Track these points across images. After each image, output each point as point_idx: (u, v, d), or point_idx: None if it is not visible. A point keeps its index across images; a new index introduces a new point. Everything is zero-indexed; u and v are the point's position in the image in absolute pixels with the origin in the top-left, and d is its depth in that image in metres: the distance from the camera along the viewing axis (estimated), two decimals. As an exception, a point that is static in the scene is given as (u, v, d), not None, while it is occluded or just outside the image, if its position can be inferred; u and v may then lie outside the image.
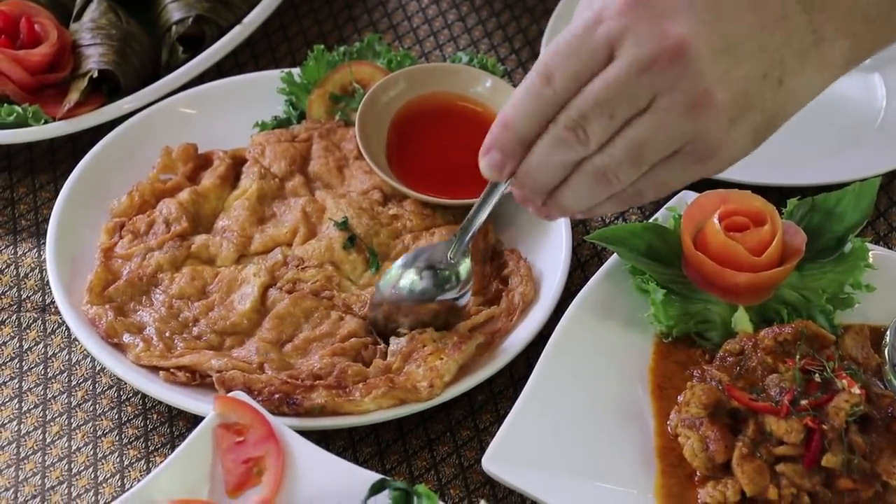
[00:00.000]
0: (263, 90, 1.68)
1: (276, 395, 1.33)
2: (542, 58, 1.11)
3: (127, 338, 1.41)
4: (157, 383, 1.38)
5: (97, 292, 1.45)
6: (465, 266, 1.38)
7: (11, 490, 1.38)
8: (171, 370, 1.38)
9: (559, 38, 1.09)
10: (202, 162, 1.61)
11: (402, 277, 1.38)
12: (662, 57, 1.05)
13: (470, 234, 1.35)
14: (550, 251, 1.49)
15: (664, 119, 1.08)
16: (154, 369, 1.39)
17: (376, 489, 1.21)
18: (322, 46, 1.68)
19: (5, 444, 1.42)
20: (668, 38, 1.05)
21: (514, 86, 1.70)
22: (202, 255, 1.51)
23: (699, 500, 1.26)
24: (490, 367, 1.38)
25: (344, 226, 1.51)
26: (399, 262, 1.39)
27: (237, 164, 1.60)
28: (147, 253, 1.49)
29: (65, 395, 1.46)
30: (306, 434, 1.28)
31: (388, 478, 1.22)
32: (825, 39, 1.13)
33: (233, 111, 1.67)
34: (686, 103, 1.07)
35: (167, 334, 1.42)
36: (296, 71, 1.67)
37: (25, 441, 1.42)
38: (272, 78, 1.68)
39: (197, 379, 1.38)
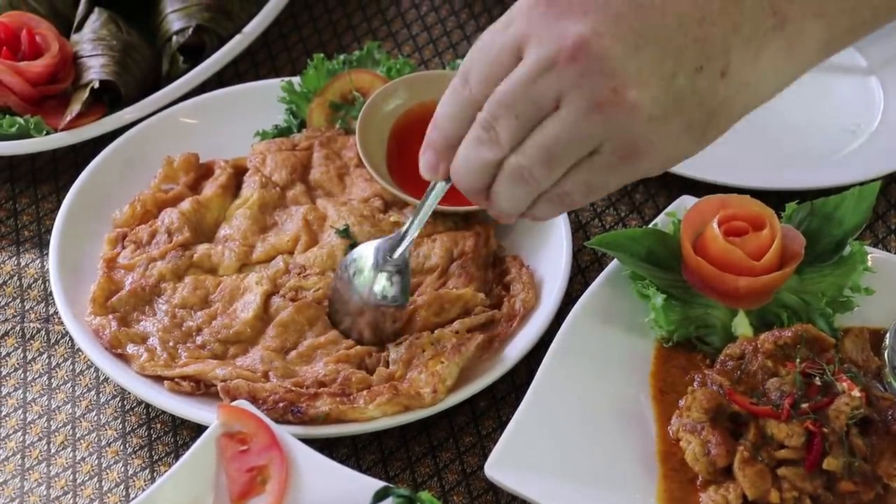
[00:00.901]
0: (264, 99, 1.68)
1: (281, 404, 1.33)
2: (465, 59, 1.12)
3: (131, 348, 1.41)
4: (161, 393, 1.38)
5: (100, 303, 1.46)
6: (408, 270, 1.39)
7: (17, 501, 1.38)
8: (176, 380, 1.38)
9: (478, 39, 1.10)
10: (203, 171, 1.61)
11: (376, 282, 1.38)
12: (561, 57, 1.03)
13: (412, 236, 1.35)
14: (551, 257, 1.49)
15: (569, 119, 1.06)
16: (158, 379, 1.39)
17: (380, 496, 1.21)
18: (322, 55, 1.68)
19: (10, 454, 1.42)
20: (567, 38, 1.03)
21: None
22: (204, 265, 1.51)
23: (701, 504, 1.26)
24: (492, 374, 1.38)
25: (345, 233, 1.51)
26: (369, 263, 1.38)
27: (238, 173, 1.61)
28: (149, 263, 1.50)
29: (69, 406, 1.46)
30: (310, 442, 1.28)
31: (391, 485, 1.22)
32: (789, 21, 1.08)
33: (233, 120, 1.67)
34: (590, 103, 1.04)
35: (171, 344, 1.42)
36: (296, 80, 1.67)
37: (30, 451, 1.42)
38: (272, 87, 1.68)
39: (201, 388, 1.38)
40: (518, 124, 1.08)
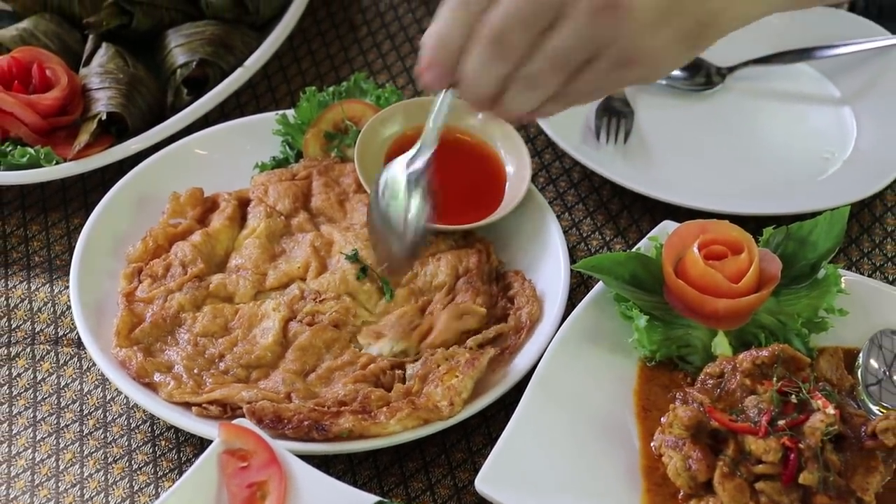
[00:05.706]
0: (259, 132, 1.70)
1: (306, 423, 1.36)
2: None
3: (158, 377, 1.43)
4: (190, 418, 1.40)
5: (124, 335, 1.48)
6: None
7: (27, 516, 1.41)
8: (203, 405, 1.41)
9: None
10: (209, 205, 1.64)
11: (411, 206, 1.35)
12: None
13: (431, 145, 1.33)
14: (549, 272, 1.53)
15: (575, 25, 1.10)
16: (186, 405, 1.41)
17: (374, 510, 1.24)
18: (313, 88, 1.70)
19: (21, 471, 1.45)
20: None
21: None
22: (221, 294, 1.54)
23: (682, 518, 1.29)
24: (503, 385, 1.41)
25: (355, 258, 1.54)
26: (402, 186, 1.35)
27: (243, 204, 1.63)
28: (168, 295, 1.52)
29: (77, 424, 1.49)
30: (307, 458, 1.31)
31: (385, 500, 1.25)
32: None
33: (230, 154, 1.69)
34: (593, 8, 1.08)
35: (196, 371, 1.44)
36: (290, 112, 1.70)
37: (39, 468, 1.45)
38: (268, 120, 1.71)
39: (228, 412, 1.40)
40: (529, 37, 1.11)
